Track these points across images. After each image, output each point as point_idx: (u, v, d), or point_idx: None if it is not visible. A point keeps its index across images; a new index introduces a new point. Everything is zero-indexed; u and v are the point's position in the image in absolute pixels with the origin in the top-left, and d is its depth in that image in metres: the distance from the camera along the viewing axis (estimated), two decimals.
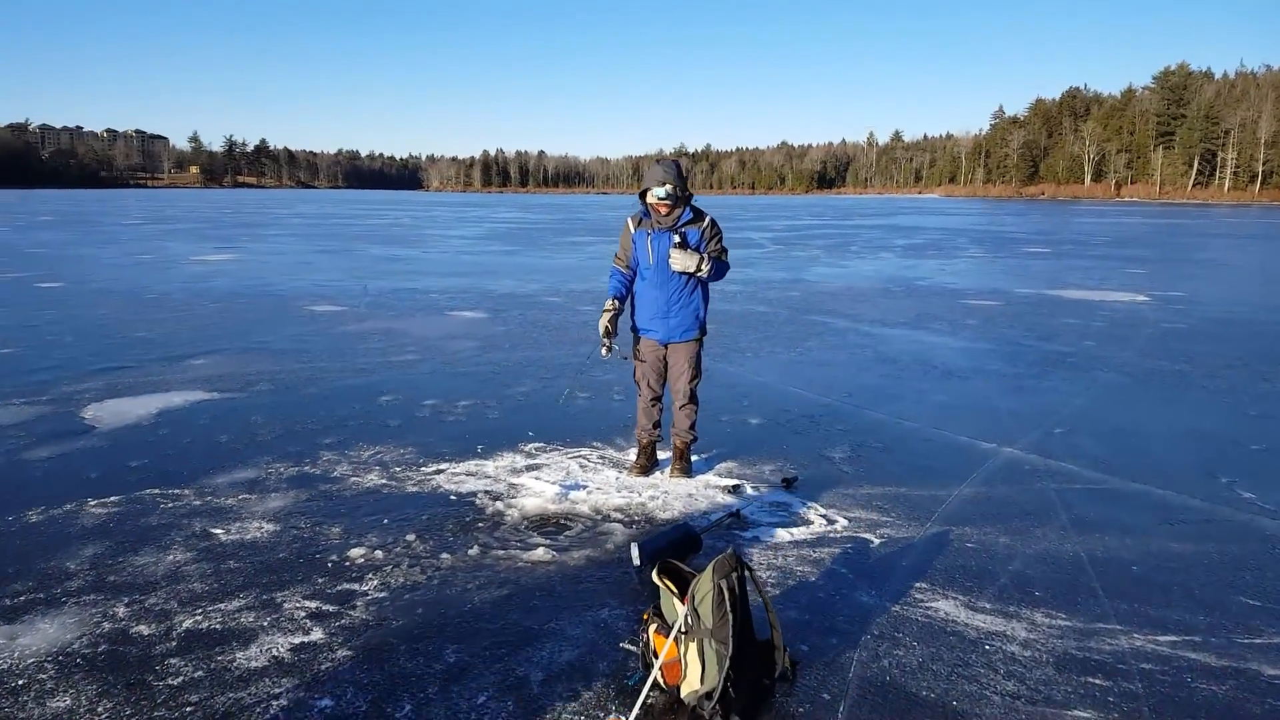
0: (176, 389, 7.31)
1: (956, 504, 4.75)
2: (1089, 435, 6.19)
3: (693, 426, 5.20)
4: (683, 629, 2.87)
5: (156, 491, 4.89)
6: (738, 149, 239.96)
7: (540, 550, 4.06)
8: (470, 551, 4.08)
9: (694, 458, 5.44)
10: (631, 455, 5.40)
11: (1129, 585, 3.83)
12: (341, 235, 30.15)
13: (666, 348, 5.07)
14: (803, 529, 4.37)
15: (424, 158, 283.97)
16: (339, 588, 3.72)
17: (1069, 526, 4.46)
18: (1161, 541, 4.29)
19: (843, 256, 22.81)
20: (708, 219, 4.93)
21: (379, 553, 4.07)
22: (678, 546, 3.88)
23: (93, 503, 4.73)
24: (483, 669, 3.12)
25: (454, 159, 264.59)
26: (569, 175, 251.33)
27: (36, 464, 5.36)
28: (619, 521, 4.47)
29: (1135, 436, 6.20)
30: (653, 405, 5.21)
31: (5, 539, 4.24)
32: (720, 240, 4.98)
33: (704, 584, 2.84)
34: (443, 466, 5.33)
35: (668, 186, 4.73)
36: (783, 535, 4.29)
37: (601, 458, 5.50)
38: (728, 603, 2.80)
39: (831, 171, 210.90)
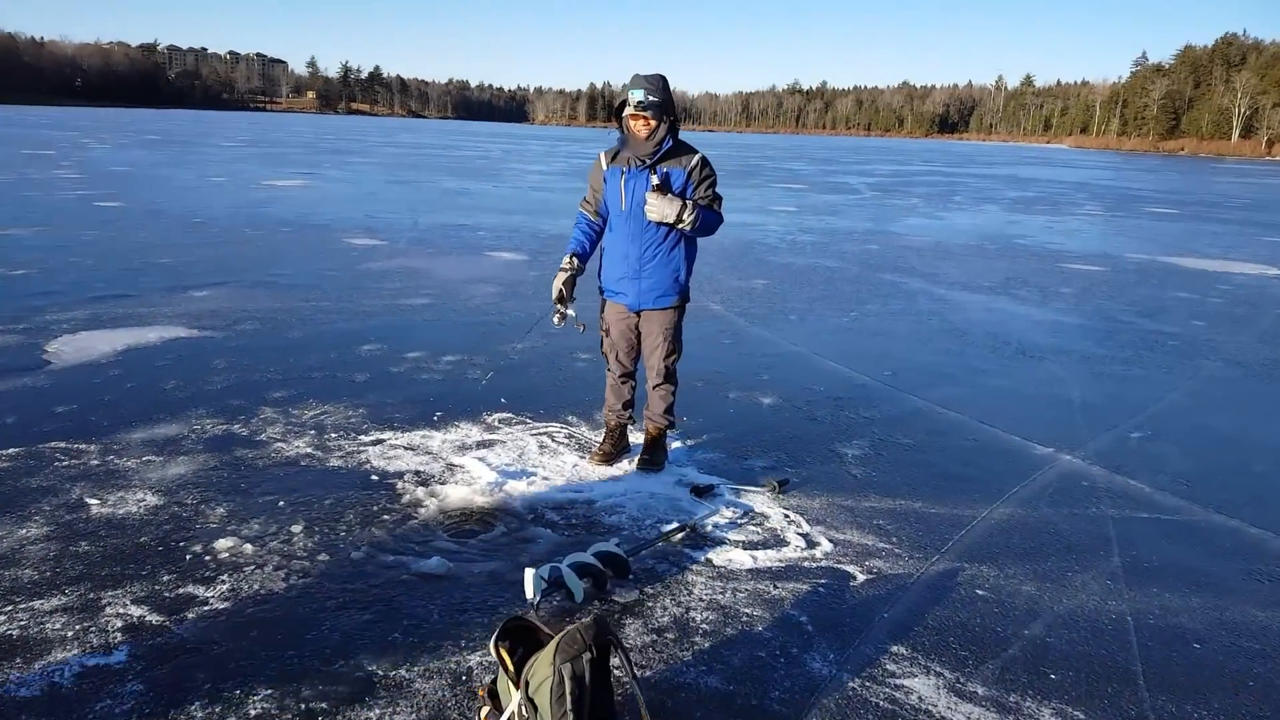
0: (160, 324, 6.87)
1: (980, 531, 3.82)
2: (1175, 443, 5.09)
3: (669, 411, 4.37)
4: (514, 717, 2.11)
5: (62, 445, 4.38)
6: (855, 88, 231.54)
7: (435, 560, 3.35)
8: (354, 555, 3.40)
9: (675, 444, 4.63)
10: (600, 438, 4.62)
11: (1185, 672, 2.88)
12: (424, 166, 29.88)
13: (638, 315, 4.22)
14: (771, 553, 3.53)
15: (531, 90, 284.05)
16: (179, 591, 3.09)
17: (1120, 574, 3.49)
18: (1243, 607, 3.29)
19: (942, 207, 21.20)
20: (697, 157, 4.04)
21: (249, 546, 3.43)
22: (591, 573, 3.11)
23: None
24: None
25: (560, 92, 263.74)
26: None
27: None
28: (551, 525, 3.72)
29: (1235, 450, 5.08)
30: (622, 383, 4.41)
31: None
32: (712, 185, 4.08)
33: (542, 666, 2.07)
34: (385, 436, 4.67)
35: (645, 90, 3.84)
36: (742, 560, 3.46)
37: (570, 437, 4.75)
38: (569, 697, 2.02)
39: (954, 116, 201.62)
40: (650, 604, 3.13)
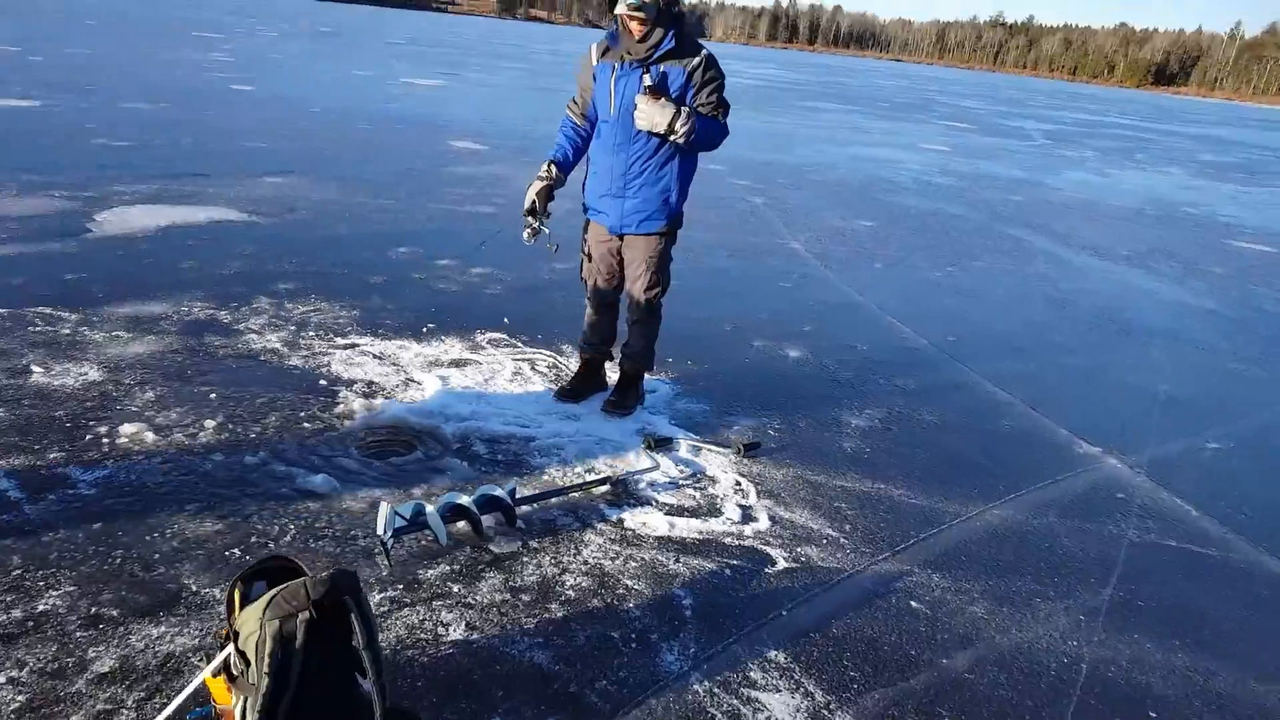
0: (216, 205, 6.99)
1: (957, 533, 3.33)
2: (1254, 464, 4.34)
3: (646, 351, 4.02)
4: (232, 672, 1.89)
5: (47, 311, 4.47)
6: (1064, 25, 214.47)
7: (320, 478, 3.17)
8: (248, 459, 3.27)
9: (662, 388, 4.29)
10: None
11: None
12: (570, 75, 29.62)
13: (621, 239, 3.85)
14: (694, 522, 3.17)
15: (712, 4, 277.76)
16: (55, 471, 3.05)
17: (1102, 611, 2.95)
18: (1242, 676, 2.71)
19: (1117, 164, 19.30)
20: (702, 55, 3.57)
21: (151, 435, 3.36)
22: (467, 517, 2.85)
23: None
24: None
25: (742, 8, 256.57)
26: (862, 36, 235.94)
27: None
28: (472, 459, 3.48)
29: None
30: (599, 315, 4.07)
31: None
32: (717, 89, 3.62)
33: (250, 618, 1.84)
34: (361, 341, 4.53)
35: None
36: (656, 525, 3.12)
37: (552, 367, 4.48)
38: (268, 660, 1.78)
39: (1174, 65, 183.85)
40: (525, 559, 2.85)
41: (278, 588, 1.84)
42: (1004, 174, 14.98)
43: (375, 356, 4.36)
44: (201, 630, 2.37)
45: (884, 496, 3.54)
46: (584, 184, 3.87)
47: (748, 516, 3.26)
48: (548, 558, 2.87)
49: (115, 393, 3.68)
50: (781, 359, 5.01)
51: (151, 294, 4.87)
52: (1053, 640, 2.76)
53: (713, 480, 3.51)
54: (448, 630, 2.48)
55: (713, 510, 3.28)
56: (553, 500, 3.19)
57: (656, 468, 3.51)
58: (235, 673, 1.88)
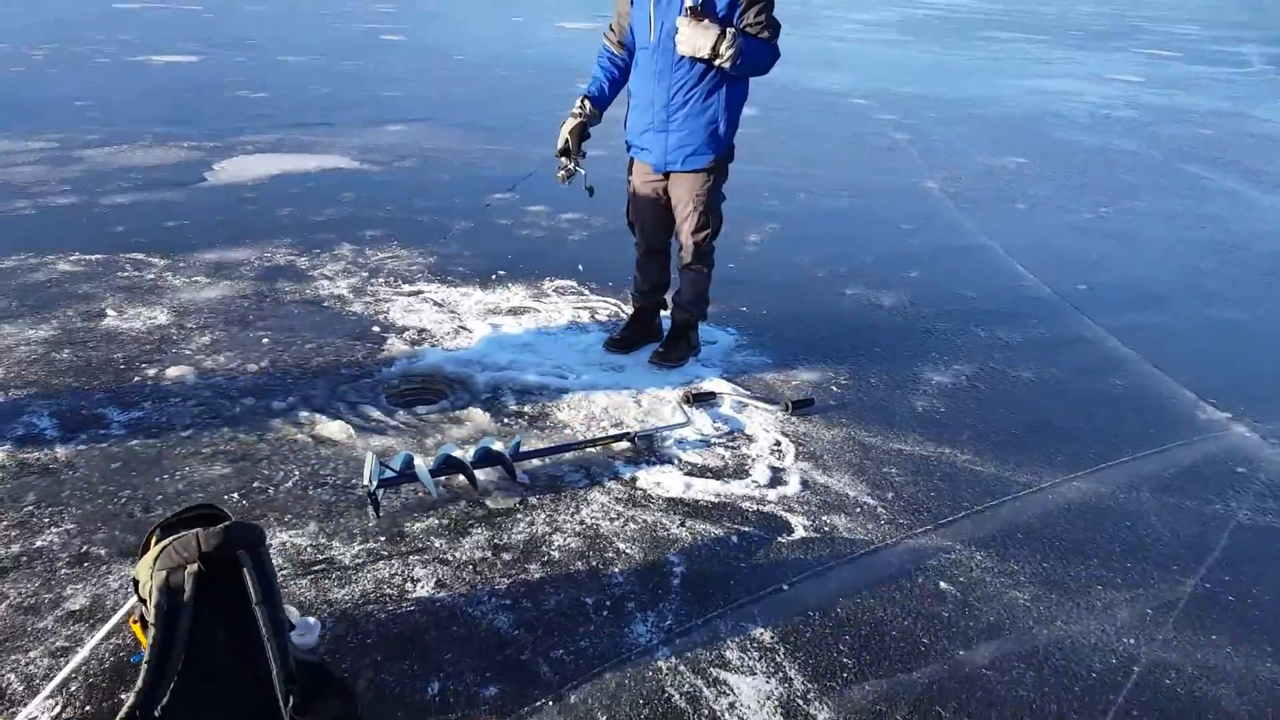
0: (330, 154, 7.23)
1: (1021, 506, 2.98)
2: None
3: (697, 300, 3.81)
4: (145, 619, 1.91)
5: (139, 257, 4.76)
6: None
7: (337, 425, 3.19)
8: (275, 404, 3.33)
9: (724, 338, 4.08)
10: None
11: None
12: None
13: (667, 178, 3.64)
14: (713, 484, 2.98)
15: None
16: (94, 411, 3.22)
17: (1176, 607, 2.56)
18: None
19: None
20: None
21: (193, 378, 3.49)
22: (462, 470, 2.79)
23: (74, 255, 4.70)
24: None
25: None
26: None
27: (104, 208, 5.51)
28: (497, 410, 3.42)
29: None
30: (649, 260, 3.89)
31: None
32: (765, 7, 3.33)
33: (143, 567, 1.83)
34: (426, 289, 4.56)
35: None
36: (670, 486, 2.96)
37: (613, 317, 4.35)
38: (156, 611, 1.77)
39: None
40: (518, 516, 2.76)
41: (172, 537, 1.82)
42: (1201, 106, 13.42)
43: (435, 304, 4.35)
44: None
45: (944, 462, 3.21)
46: (625, 119, 3.66)
47: (777, 479, 3.03)
48: (543, 516, 2.76)
49: (175, 336, 3.84)
50: (872, 308, 4.66)
51: (239, 241, 5.06)
52: (1104, 636, 2.41)
53: (749, 439, 3.28)
54: (415, 586, 2.42)
55: (739, 471, 3.07)
56: (567, 456, 3.07)
57: (688, 424, 3.32)
58: (147, 620, 1.88)
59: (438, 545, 2.59)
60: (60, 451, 2.95)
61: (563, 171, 3.57)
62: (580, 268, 4.92)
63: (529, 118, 9.29)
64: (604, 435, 3.17)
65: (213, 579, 1.80)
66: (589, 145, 3.60)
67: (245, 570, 1.80)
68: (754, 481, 3.00)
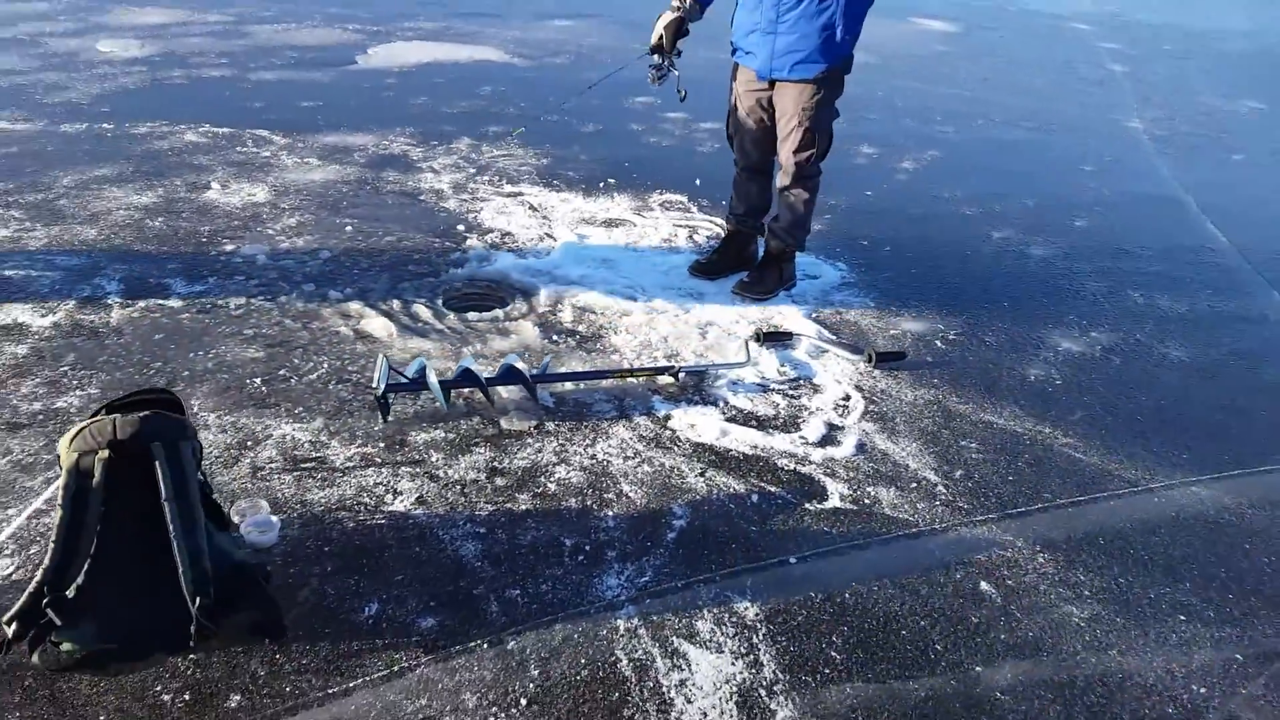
0: (487, 45, 7.19)
1: (1114, 508, 2.54)
2: None
3: (794, 227, 3.47)
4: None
5: (263, 134, 4.89)
6: None
7: (380, 323, 3.12)
8: (332, 293, 3.30)
9: (835, 272, 3.76)
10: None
11: None
12: None
13: (772, 86, 3.29)
14: (754, 434, 2.71)
15: None
16: (159, 280, 3.29)
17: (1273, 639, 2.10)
18: None
19: None
20: None
21: (263, 259, 3.51)
22: (478, 385, 2.65)
23: (204, 127, 4.87)
24: None
25: None
26: None
27: (249, 84, 5.70)
28: (550, 327, 3.25)
29: None
30: (748, 179, 3.57)
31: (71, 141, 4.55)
32: None
33: (62, 445, 1.79)
34: (527, 192, 4.43)
35: None
36: (705, 430, 2.71)
37: (715, 238, 4.06)
38: (64, 492, 1.74)
39: None
40: (528, 441, 2.60)
41: (90, 419, 1.76)
42: None
43: (531, 208, 4.21)
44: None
45: (1038, 443, 2.78)
46: (733, 16, 3.31)
47: (830, 439, 2.71)
48: (553, 444, 2.59)
49: (266, 214, 3.89)
50: (1016, 256, 4.13)
51: (363, 126, 5.08)
52: (1167, 678, 2.00)
53: (816, 389, 2.97)
54: (395, 499, 2.32)
55: (789, 424, 2.77)
56: (604, 384, 2.87)
57: (747, 363, 3.03)
58: (56, 499, 1.85)
59: (434, 459, 2.48)
60: (115, 316, 3.03)
61: (653, 71, 3.28)
62: (697, 182, 4.63)
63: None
64: (647, 366, 2.94)
65: (126, 468, 1.73)
66: (685, 43, 3.28)
67: (157, 463, 1.73)
68: (801, 437, 2.70)
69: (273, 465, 2.39)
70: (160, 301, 3.14)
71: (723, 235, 3.79)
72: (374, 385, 2.55)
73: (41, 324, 2.94)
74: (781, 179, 3.39)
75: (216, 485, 2.30)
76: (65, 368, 2.74)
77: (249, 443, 2.47)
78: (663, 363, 2.99)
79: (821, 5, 3.05)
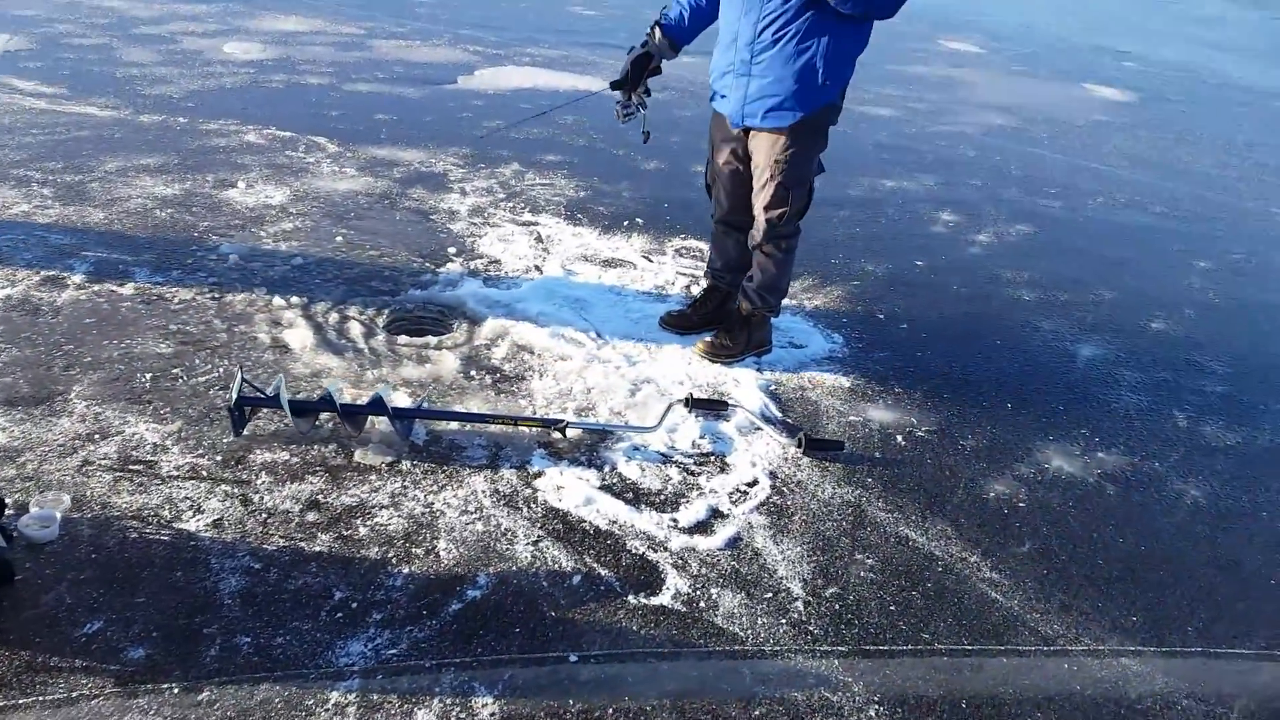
0: (596, 74, 7.20)
1: (1016, 669, 2.15)
2: None
3: (767, 289, 3.20)
4: None
5: (318, 140, 5.05)
6: None
7: (296, 338, 3.09)
8: (277, 300, 3.30)
9: (827, 343, 3.45)
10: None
11: None
12: None
13: (747, 134, 3.06)
14: (620, 508, 2.47)
15: None
16: (169, 274, 3.40)
17: None
18: None
19: None
20: None
21: (236, 256, 3.57)
22: (326, 409, 2.56)
23: (269, 130, 5.08)
24: None
25: None
26: None
27: (340, 94, 5.95)
28: (476, 362, 3.12)
29: None
30: (724, 233, 3.33)
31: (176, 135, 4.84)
32: None
33: None
34: (543, 222, 4.35)
35: None
36: (569, 495, 2.49)
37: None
38: None
39: None
40: (369, 479, 2.48)
41: None
42: None
43: (537, 239, 4.12)
44: (19, 438, 2.44)
45: (952, 573, 2.39)
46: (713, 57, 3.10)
47: (704, 526, 2.44)
48: (395, 485, 2.45)
49: (269, 217, 3.98)
50: (1057, 352, 3.67)
51: (420, 142, 5.16)
52: None
53: (724, 468, 2.69)
54: (192, 518, 2.25)
55: (669, 502, 2.51)
56: (491, 428, 2.71)
57: (655, 429, 2.78)
58: None
59: (260, 482, 2.39)
60: (64, 296, 3.14)
61: (619, 108, 3.12)
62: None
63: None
64: (532, 417, 2.75)
65: None
66: (656, 82, 3.10)
67: None
68: (672, 520, 2.44)
69: (103, 462, 2.37)
70: (114, 288, 3.24)
71: (703, 288, 3.56)
72: (229, 398, 2.49)
73: None
74: (753, 236, 3.14)
75: (43, 472, 2.30)
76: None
77: (96, 436, 2.46)
78: (570, 416, 2.79)
79: (801, 46, 2.80)
